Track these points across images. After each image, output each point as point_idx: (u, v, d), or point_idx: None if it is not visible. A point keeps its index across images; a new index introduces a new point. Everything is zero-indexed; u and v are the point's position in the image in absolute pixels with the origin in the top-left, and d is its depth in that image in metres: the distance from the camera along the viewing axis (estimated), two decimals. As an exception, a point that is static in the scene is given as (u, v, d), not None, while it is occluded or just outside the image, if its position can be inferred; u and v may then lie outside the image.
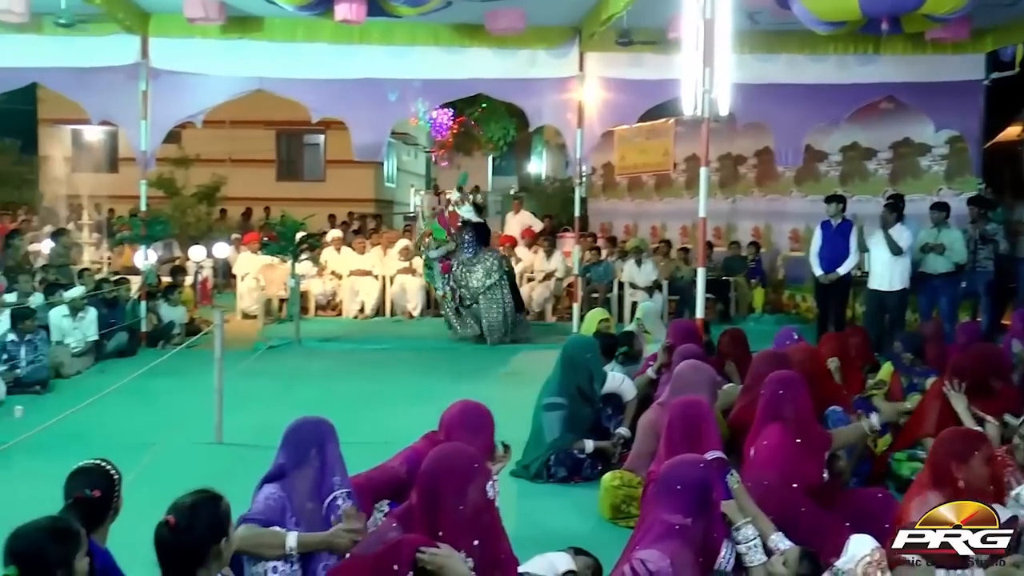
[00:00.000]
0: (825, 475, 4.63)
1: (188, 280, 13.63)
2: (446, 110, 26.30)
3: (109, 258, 15.36)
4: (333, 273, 14.82)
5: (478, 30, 10.99)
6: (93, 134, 26.08)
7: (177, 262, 14.61)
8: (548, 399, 6.21)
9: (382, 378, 9.73)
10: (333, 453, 3.81)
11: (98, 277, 11.89)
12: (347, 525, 3.59)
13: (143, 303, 11.52)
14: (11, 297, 10.11)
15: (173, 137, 15.50)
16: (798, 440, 4.51)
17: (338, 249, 15.04)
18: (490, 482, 4.18)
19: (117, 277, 12.14)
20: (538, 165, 32.20)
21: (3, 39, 10.72)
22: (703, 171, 8.23)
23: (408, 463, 4.12)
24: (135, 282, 11.99)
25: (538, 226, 16.61)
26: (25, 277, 11.01)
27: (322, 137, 25.83)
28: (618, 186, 19.29)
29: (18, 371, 8.75)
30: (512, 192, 26.11)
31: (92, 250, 14.89)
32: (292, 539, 3.52)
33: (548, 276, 14.41)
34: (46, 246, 14.02)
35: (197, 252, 15.63)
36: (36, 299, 10.29)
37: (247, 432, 6.85)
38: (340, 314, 14.55)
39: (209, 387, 6.97)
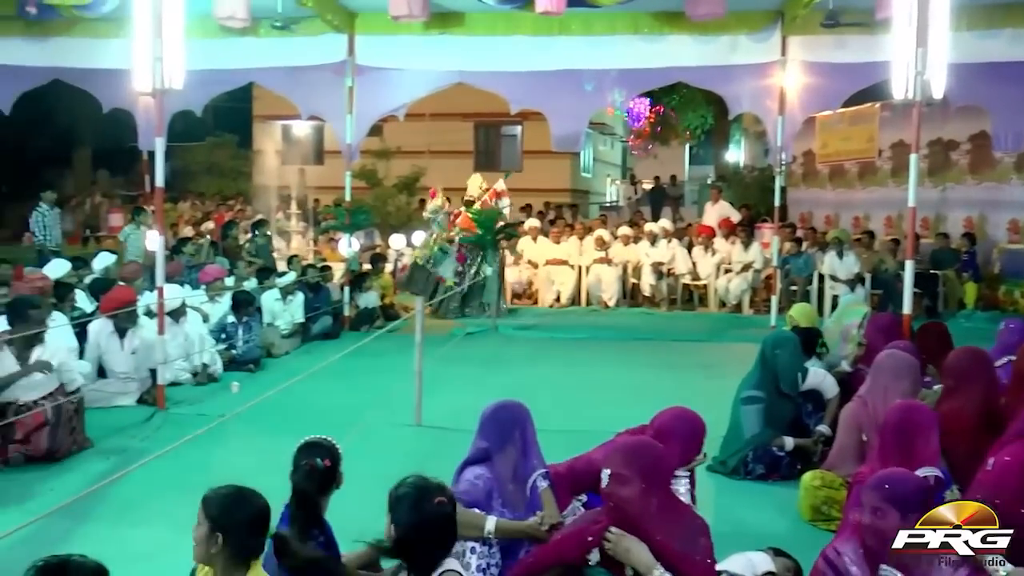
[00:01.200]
0: None
1: (388, 268, 14.11)
2: (643, 99, 26.11)
3: (317, 248, 16.09)
4: (529, 262, 15.01)
5: (678, 17, 10.79)
6: (301, 129, 27.39)
7: (378, 250, 15.16)
8: (746, 392, 6.05)
9: (577, 367, 9.76)
10: (531, 435, 3.89)
11: (304, 263, 12.50)
12: (546, 517, 3.65)
13: (346, 289, 12.03)
14: (230, 282, 10.77)
15: (376, 130, 16.05)
16: None
17: (535, 238, 15.23)
18: (685, 479, 4.13)
19: (322, 263, 12.72)
20: (736, 153, 31.53)
21: (226, 43, 11.40)
22: (913, 158, 7.81)
23: None
24: (337, 269, 12.54)
25: (736, 216, 16.26)
26: (242, 263, 11.73)
27: (519, 128, 26.15)
28: (819, 175, 18.61)
29: (234, 351, 9.33)
30: (709, 181, 25.68)
31: (299, 238, 15.68)
32: (491, 524, 3.58)
33: (745, 267, 14.11)
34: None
35: (397, 240, 16.17)
36: (250, 284, 10.93)
37: (445, 415, 7.03)
38: (536, 302, 14.76)
39: (408, 370, 7.19)
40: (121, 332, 7.75)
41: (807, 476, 5.24)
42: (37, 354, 6.31)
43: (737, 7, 10.58)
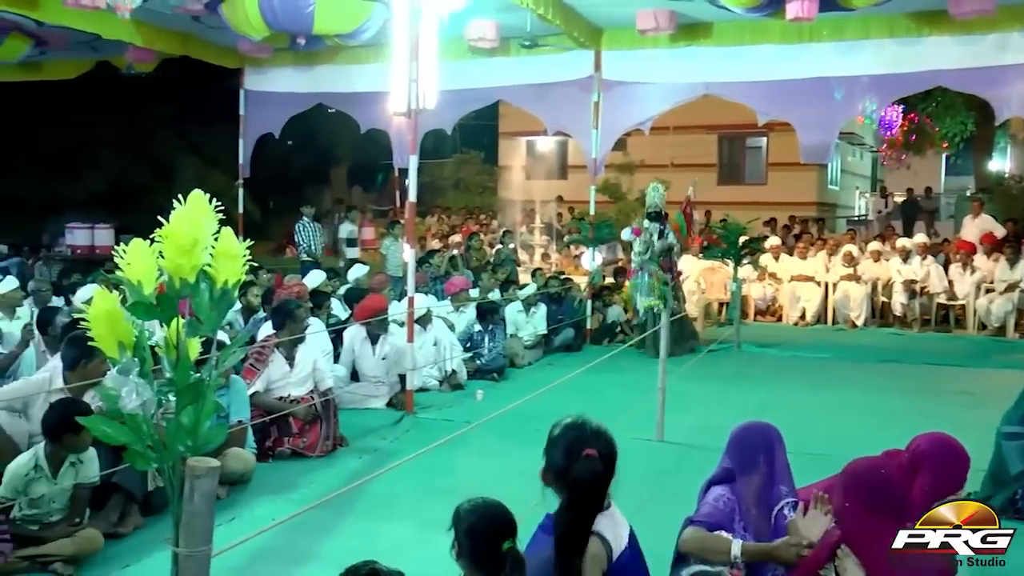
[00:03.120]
0: None
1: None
2: (896, 106, 24.78)
3: (558, 259, 16.32)
4: (773, 277, 14.61)
5: (939, 16, 10.18)
6: (545, 144, 27.94)
7: (620, 264, 15.19)
8: (1007, 428, 5.56)
9: (821, 388, 9.37)
10: (781, 460, 3.71)
11: (547, 276, 12.69)
12: (794, 539, 3.50)
13: (589, 302, 12.11)
14: (474, 292, 11.11)
15: (619, 144, 16.13)
16: None
17: (776, 257, 14.80)
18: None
19: (564, 276, 12.88)
20: (1000, 163, 29.38)
21: (475, 63, 11.85)
22: None
23: None
24: (578, 282, 12.65)
25: (1000, 231, 15.14)
26: (487, 275, 12.09)
27: (764, 140, 25.56)
28: (1101, 185, 17.04)
29: (479, 360, 9.61)
30: (969, 193, 24.05)
31: (542, 251, 15.96)
32: (736, 547, 3.49)
33: (1011, 287, 13.12)
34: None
35: (638, 255, 16.13)
36: (494, 295, 11.23)
37: (686, 432, 6.96)
38: (780, 320, 14.38)
39: (650, 386, 7.16)
40: (373, 339, 8.18)
41: (1092, 522, 4.74)
42: (301, 353, 6.78)
43: (1009, 1, 9.82)
